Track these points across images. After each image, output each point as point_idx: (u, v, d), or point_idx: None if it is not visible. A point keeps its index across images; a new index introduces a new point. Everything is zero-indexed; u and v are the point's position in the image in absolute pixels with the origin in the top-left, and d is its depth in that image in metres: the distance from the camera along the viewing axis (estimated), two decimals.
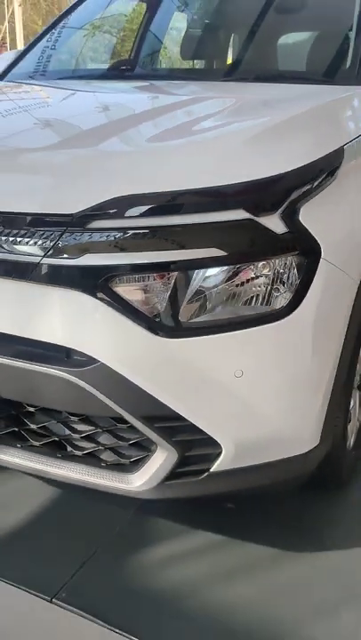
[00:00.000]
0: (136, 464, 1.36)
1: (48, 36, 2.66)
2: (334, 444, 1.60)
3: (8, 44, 18.83)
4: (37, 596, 1.45)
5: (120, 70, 2.54)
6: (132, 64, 2.60)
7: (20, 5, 18.63)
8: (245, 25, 2.31)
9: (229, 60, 2.48)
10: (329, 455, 1.61)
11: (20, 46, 18.78)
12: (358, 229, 1.46)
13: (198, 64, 2.77)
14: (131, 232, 1.20)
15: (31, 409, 1.39)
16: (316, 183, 1.32)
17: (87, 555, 1.58)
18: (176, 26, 2.71)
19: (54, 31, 2.65)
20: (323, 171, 1.36)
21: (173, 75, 2.46)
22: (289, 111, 1.57)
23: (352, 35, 2.05)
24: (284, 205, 1.25)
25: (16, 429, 1.43)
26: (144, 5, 2.95)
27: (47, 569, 1.54)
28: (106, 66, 2.82)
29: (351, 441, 1.85)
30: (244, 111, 1.66)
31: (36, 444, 1.42)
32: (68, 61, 2.66)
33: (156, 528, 1.69)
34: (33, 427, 1.40)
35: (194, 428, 1.28)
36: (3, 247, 1.24)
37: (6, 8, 19.33)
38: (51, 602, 1.43)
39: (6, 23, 19.37)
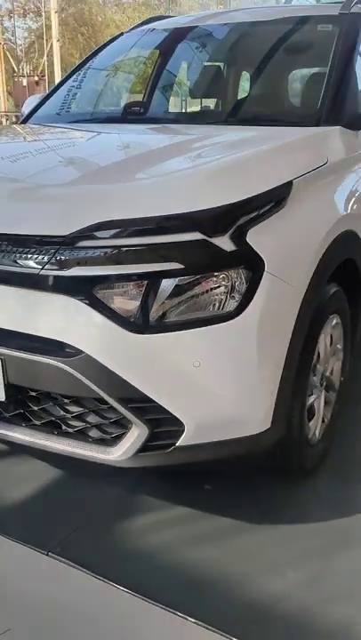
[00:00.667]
0: (116, 439, 1.66)
1: (67, 84, 3.07)
2: (292, 434, 1.86)
3: (47, 77, 19.77)
4: (35, 549, 1.75)
5: (129, 114, 2.91)
6: (142, 108, 2.98)
7: (58, 41, 19.56)
8: (236, 75, 2.65)
9: (223, 103, 2.84)
10: (289, 444, 1.88)
11: (58, 78, 19.67)
12: (304, 248, 1.75)
13: (194, 108, 3.12)
14: (110, 249, 1.52)
15: (33, 393, 1.71)
16: (262, 211, 1.63)
17: (81, 520, 1.89)
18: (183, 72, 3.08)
19: (73, 79, 3.05)
20: (270, 201, 1.66)
21: (173, 119, 2.82)
22: (249, 151, 1.89)
23: (321, 84, 2.37)
24: (233, 229, 1.56)
25: (22, 411, 1.75)
26: (157, 53, 3.34)
27: (45, 529, 1.85)
28: (117, 110, 3.19)
29: (316, 434, 2.11)
30: (213, 151, 1.98)
31: (38, 423, 1.74)
32: (82, 107, 3.04)
33: (141, 502, 1.99)
34: (35, 408, 1.72)
35: (161, 409, 1.58)
36: (9, 261, 1.58)
37: (45, 43, 20.34)
38: (47, 555, 1.73)
39: (45, 57, 20.37)
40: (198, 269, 1.54)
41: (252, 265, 1.58)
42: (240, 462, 1.85)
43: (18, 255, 1.58)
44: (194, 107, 3.08)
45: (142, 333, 1.54)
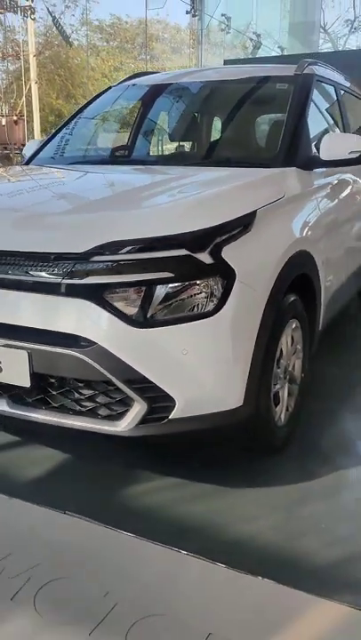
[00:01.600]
0: (121, 415, 2.08)
1: (62, 131, 3.56)
2: (261, 414, 2.30)
3: (25, 117, 20.42)
4: (54, 510, 2.14)
5: (116, 156, 3.41)
6: (127, 151, 3.48)
7: (35, 82, 20.30)
8: (208, 124, 3.17)
9: (197, 147, 3.35)
10: (259, 422, 2.31)
11: (36, 117, 20.33)
12: (267, 262, 2.23)
13: (177, 150, 3.63)
14: (116, 263, 1.97)
15: (53, 380, 2.13)
16: (233, 233, 2.10)
17: (91, 489, 2.29)
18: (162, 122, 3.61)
19: (67, 128, 3.54)
20: (239, 225, 2.14)
21: (155, 161, 3.32)
22: (222, 187, 2.38)
23: (280, 132, 2.89)
24: (211, 246, 2.03)
25: (43, 396, 2.16)
26: (139, 104, 3.87)
27: (61, 495, 2.24)
28: (106, 153, 3.68)
29: (282, 418, 2.55)
30: (193, 187, 2.47)
31: (56, 405, 2.16)
32: (77, 150, 3.53)
33: (140, 475, 2.40)
34: (54, 393, 2.14)
35: (157, 388, 2.01)
36: (35, 273, 2.02)
37: (24, 84, 21.07)
38: (65, 513, 2.12)
39: (24, 98, 21.06)
40: (185, 278, 2.00)
41: (226, 274, 2.04)
42: (223, 434, 2.27)
43: (42, 268, 2.02)
44: (172, 150, 3.58)
45: (142, 328, 1.98)
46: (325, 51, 15.05)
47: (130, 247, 1.98)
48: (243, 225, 2.16)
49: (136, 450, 2.55)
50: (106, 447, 2.57)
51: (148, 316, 1.99)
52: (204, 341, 2.03)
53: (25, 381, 2.10)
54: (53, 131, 3.67)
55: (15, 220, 2.23)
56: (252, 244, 2.17)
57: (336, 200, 3.16)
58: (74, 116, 3.66)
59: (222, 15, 11.41)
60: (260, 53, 12.49)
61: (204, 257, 2.02)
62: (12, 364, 2.10)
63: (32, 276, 2.04)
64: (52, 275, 2.02)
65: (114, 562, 1.91)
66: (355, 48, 15.65)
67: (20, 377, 2.10)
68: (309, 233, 2.62)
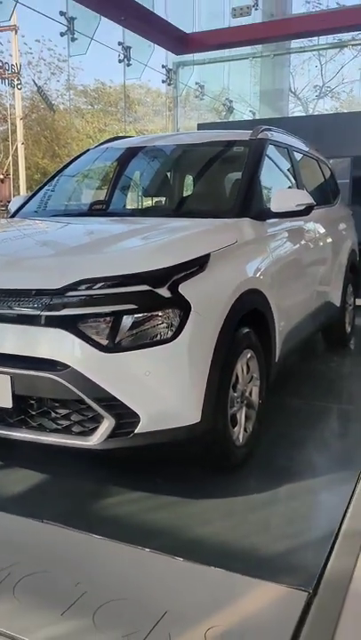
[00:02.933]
0: (92, 431, 2.37)
1: (45, 187, 3.97)
2: (218, 431, 2.58)
3: (12, 176, 21.14)
4: (33, 519, 2.38)
5: (94, 209, 3.80)
6: (104, 205, 3.89)
7: (22, 144, 21.11)
8: (175, 179, 3.59)
9: (166, 201, 3.77)
10: (217, 439, 2.60)
11: (22, 176, 21.08)
12: (219, 297, 2.58)
13: (144, 203, 4.06)
14: (88, 297, 2.31)
15: (32, 401, 2.42)
16: (189, 271, 2.46)
17: (67, 502, 2.54)
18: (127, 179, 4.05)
19: (49, 185, 3.95)
20: (194, 265, 2.50)
21: (128, 213, 3.72)
22: (181, 234, 2.77)
23: (235, 188, 3.31)
24: (169, 282, 2.37)
25: (23, 417, 2.44)
26: (115, 164, 4.31)
27: (40, 508, 2.49)
28: (85, 207, 4.08)
29: (240, 439, 2.83)
30: (157, 234, 2.85)
31: (34, 424, 2.44)
32: (58, 204, 3.93)
33: (110, 489, 2.66)
34: (33, 413, 2.42)
35: (123, 405, 2.31)
36: (15, 306, 2.35)
37: (10, 145, 21.90)
38: (42, 522, 2.37)
39: (10, 158, 21.83)
40: (147, 309, 2.33)
41: (183, 307, 2.38)
42: (184, 449, 2.56)
43: (24, 302, 2.35)
44: (144, 204, 4.00)
45: (110, 352, 2.30)
46: (296, 115, 16.09)
47: (100, 283, 2.32)
48: (198, 265, 2.51)
49: (105, 468, 2.81)
50: (78, 466, 2.83)
51: (116, 342, 2.31)
52: (164, 364, 2.35)
53: (7, 403, 2.39)
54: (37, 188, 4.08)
55: (1, 263, 2.58)
56: (206, 282, 2.52)
57: (287, 246, 3.55)
58: (55, 175, 4.07)
59: (196, 83, 12.30)
60: (233, 117, 13.36)
61: (164, 291, 2.36)
62: None
63: (14, 309, 2.36)
64: (33, 308, 2.34)
65: (85, 559, 2.16)
66: (324, 112, 16.75)
67: (3, 399, 2.39)
68: (260, 273, 2.99)
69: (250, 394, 2.96)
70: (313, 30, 10.21)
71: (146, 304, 2.34)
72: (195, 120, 13.30)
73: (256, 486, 2.72)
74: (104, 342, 2.30)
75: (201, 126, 8.56)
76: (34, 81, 21.04)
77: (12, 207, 3.96)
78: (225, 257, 2.72)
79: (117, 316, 2.32)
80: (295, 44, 12.32)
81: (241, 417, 2.85)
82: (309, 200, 3.31)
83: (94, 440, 2.35)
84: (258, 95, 12.82)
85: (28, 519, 2.40)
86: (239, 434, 2.83)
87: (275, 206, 3.24)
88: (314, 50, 14.00)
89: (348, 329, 5.41)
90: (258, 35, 9.80)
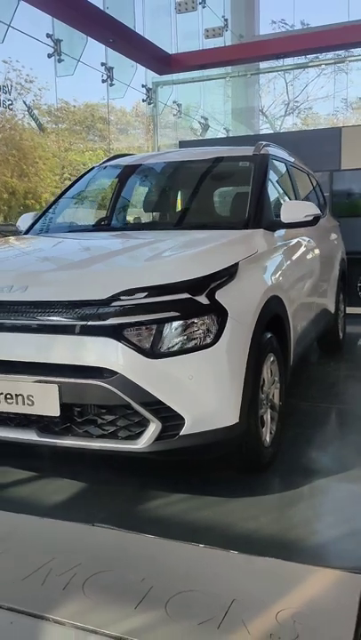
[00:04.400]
0: (139, 434, 2.46)
1: (53, 206, 4.07)
2: (252, 433, 2.72)
3: None
4: (83, 524, 2.46)
5: (112, 225, 3.93)
6: (122, 220, 4.02)
7: None
8: (184, 194, 3.74)
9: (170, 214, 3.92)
10: (250, 440, 2.73)
11: None
12: (250, 304, 2.72)
13: (154, 217, 4.19)
14: (132, 306, 2.42)
15: (78, 409, 2.50)
16: (223, 280, 2.60)
17: (111, 507, 2.62)
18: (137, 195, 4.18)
19: (57, 203, 4.06)
20: (227, 274, 2.64)
21: (145, 227, 3.84)
22: (211, 244, 2.92)
23: (247, 200, 3.48)
24: (207, 290, 2.51)
25: (69, 424, 2.52)
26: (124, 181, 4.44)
27: (87, 513, 2.57)
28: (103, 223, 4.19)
29: (267, 440, 2.97)
30: (185, 245, 2.99)
31: (80, 431, 2.52)
32: (72, 221, 4.03)
33: (152, 493, 2.75)
34: (80, 420, 2.51)
35: (169, 409, 2.42)
36: (64, 318, 2.44)
37: None
38: (93, 525, 2.44)
39: None
40: (188, 316, 2.46)
41: (220, 313, 2.51)
42: (222, 449, 2.67)
43: (69, 313, 2.45)
44: (159, 218, 4.14)
45: (155, 358, 2.41)
46: (266, 132, 16.57)
47: (143, 293, 2.44)
48: (230, 273, 2.66)
49: (140, 475, 2.90)
50: (112, 474, 2.92)
51: (160, 348, 2.42)
52: (206, 368, 2.47)
53: (55, 411, 2.47)
54: (45, 205, 4.16)
55: (45, 278, 2.67)
56: (238, 289, 2.67)
57: (296, 256, 3.73)
58: (64, 192, 4.16)
59: (174, 102, 12.59)
60: (208, 135, 13.69)
61: (203, 299, 2.49)
62: (44, 397, 2.47)
63: (61, 320, 2.46)
64: (79, 318, 2.44)
65: (144, 557, 2.24)
66: (292, 129, 17.29)
67: (51, 408, 2.47)
68: (279, 281, 3.15)
69: (273, 396, 3.10)
70: (286, 51, 10.61)
71: (187, 311, 2.46)
72: (169, 138, 13.59)
73: (285, 483, 2.85)
74: (149, 349, 2.41)
75: (183, 144, 8.78)
76: (24, 102, 21.03)
77: (22, 225, 4.04)
78: (250, 266, 2.87)
79: (161, 324, 2.43)
80: (264, 64, 12.76)
81: (267, 418, 2.99)
82: (316, 211, 3.50)
83: (142, 443, 2.45)
84: (230, 113, 13.20)
85: (78, 524, 2.46)
86: (266, 435, 2.96)
87: (285, 217, 3.41)
88: (282, 70, 14.48)
89: (341, 335, 5.63)
90: (236, 55, 10.15)
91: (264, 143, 4.03)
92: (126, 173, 4.26)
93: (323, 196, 5.60)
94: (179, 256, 2.80)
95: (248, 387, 2.62)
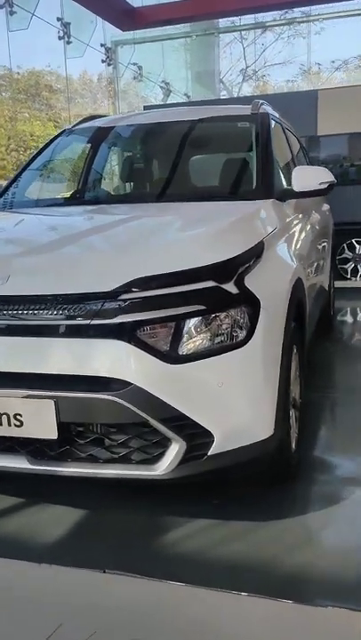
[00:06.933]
0: (158, 457, 1.99)
1: (19, 177, 3.46)
2: (284, 444, 2.28)
3: None
4: (92, 570, 1.98)
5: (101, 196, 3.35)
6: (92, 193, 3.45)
7: None
8: (176, 160, 3.21)
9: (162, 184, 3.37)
10: (283, 449, 2.29)
11: None
12: (280, 290, 2.26)
13: (142, 187, 3.62)
14: (147, 299, 1.92)
15: (81, 429, 2.00)
16: (251, 262, 2.12)
17: (119, 542, 2.15)
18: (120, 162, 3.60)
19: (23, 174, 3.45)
20: (254, 255, 2.16)
21: (143, 198, 3.25)
22: (226, 220, 2.40)
23: (252, 166, 2.98)
24: (236, 276, 2.02)
25: (68, 447, 2.02)
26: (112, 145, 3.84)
27: (93, 554, 2.09)
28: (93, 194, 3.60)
29: (293, 444, 2.55)
30: (201, 221, 2.46)
31: (82, 455, 2.03)
32: (54, 192, 3.43)
33: (165, 521, 2.29)
34: (82, 442, 2.01)
35: (195, 424, 1.95)
36: (59, 317, 1.91)
37: None
38: (104, 572, 1.97)
39: None
40: (215, 309, 1.97)
41: (252, 303, 2.04)
42: (254, 468, 2.23)
43: (68, 310, 1.92)
44: (155, 188, 3.50)
45: (178, 363, 1.92)
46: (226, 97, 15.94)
47: (158, 282, 1.94)
48: (257, 254, 2.18)
49: (150, 495, 2.43)
50: (116, 496, 2.44)
51: (183, 351, 1.94)
52: (239, 371, 2.01)
53: (51, 433, 1.97)
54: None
55: (31, 262, 2.13)
56: (265, 273, 2.20)
57: (307, 231, 3.29)
58: (29, 163, 3.53)
59: (134, 64, 11.76)
60: (170, 100, 12.97)
61: (231, 287, 2.01)
62: (36, 415, 1.96)
63: (56, 320, 1.93)
64: (79, 316, 1.92)
65: (176, 613, 1.79)
66: (248, 95, 16.68)
67: (46, 429, 1.97)
68: (300, 262, 2.70)
69: (295, 393, 2.67)
70: (252, 6, 10.01)
71: (214, 303, 1.98)
72: (127, 104, 12.81)
73: (322, 496, 2.44)
74: (170, 352, 1.93)
75: (147, 108, 8.14)
76: None
77: None
78: (273, 244, 2.40)
79: (183, 320, 1.94)
80: (224, 23, 12.12)
81: (292, 421, 2.56)
82: (331, 178, 3.04)
83: (162, 469, 1.98)
84: (190, 80, 12.51)
85: (86, 571, 1.98)
86: (293, 439, 2.54)
87: (298, 185, 2.94)
88: (242, 29, 13.82)
89: (332, 311, 5.29)
90: (203, 10, 9.38)
91: (260, 102, 3.53)
92: (105, 137, 3.67)
93: (309, 162, 5.15)
94: (195, 234, 2.29)
95: (281, 390, 2.18)
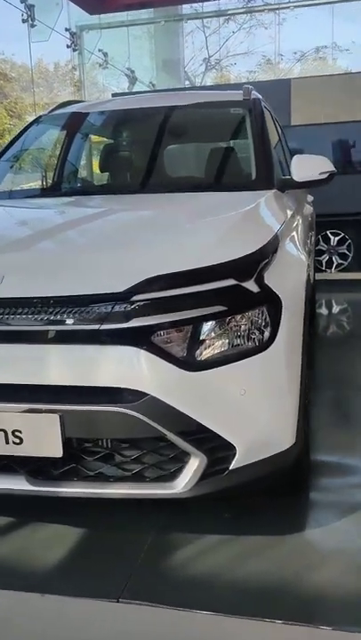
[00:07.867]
0: (175, 474, 1.80)
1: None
2: (303, 454, 2.13)
3: None
4: (105, 600, 1.79)
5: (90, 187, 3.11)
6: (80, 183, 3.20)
7: None
8: (167, 148, 3.00)
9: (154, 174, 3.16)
10: (302, 463, 2.13)
11: None
12: (296, 286, 2.10)
13: (132, 177, 3.38)
14: (162, 300, 1.72)
15: (89, 444, 1.80)
16: (270, 258, 1.95)
17: (129, 565, 1.95)
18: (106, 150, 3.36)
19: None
20: (272, 249, 1.99)
21: (138, 189, 3.01)
22: (236, 212, 2.22)
23: (248, 155, 2.81)
24: (256, 273, 1.85)
25: (75, 465, 1.82)
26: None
27: (103, 580, 1.89)
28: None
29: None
30: (209, 212, 2.27)
31: (90, 473, 1.82)
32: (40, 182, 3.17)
33: (177, 539, 2.10)
34: (88, 459, 1.81)
35: (216, 437, 1.77)
36: (65, 321, 1.70)
37: None
38: (118, 601, 1.78)
39: None
40: (236, 310, 1.79)
41: (274, 303, 1.87)
42: (275, 481, 2.06)
43: (71, 314, 1.71)
44: (145, 177, 3.29)
45: (198, 370, 1.74)
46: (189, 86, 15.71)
47: (174, 281, 1.74)
48: (274, 249, 2.01)
49: (156, 510, 2.24)
50: (118, 512, 2.24)
51: (202, 356, 1.76)
52: (262, 377, 1.84)
53: (55, 451, 1.76)
54: None
55: (33, 260, 1.90)
56: (282, 269, 2.03)
57: (306, 222, 3.16)
58: (5, 150, 3.27)
59: (100, 51, 11.36)
60: (136, 88, 12.65)
61: (252, 285, 1.83)
62: (38, 431, 1.75)
63: (61, 324, 1.72)
64: (87, 321, 1.71)
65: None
66: (211, 84, 16.56)
67: (49, 446, 1.75)
68: (307, 256, 2.55)
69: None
70: None
71: (235, 303, 1.80)
72: (90, 94, 12.42)
73: (342, 504, 2.30)
74: (188, 358, 1.74)
75: (115, 96, 7.85)
76: None
77: None
78: (284, 237, 2.24)
79: (201, 323, 1.76)
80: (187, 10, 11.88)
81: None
82: (331, 167, 2.89)
83: (180, 486, 1.79)
84: (155, 68, 12.22)
85: (96, 601, 1.79)
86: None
87: (298, 175, 2.78)
88: (205, 17, 13.59)
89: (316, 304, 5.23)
90: None
91: (250, 87, 3.36)
92: (88, 123, 3.43)
93: (289, 151, 5.02)
94: (208, 228, 2.09)
95: (302, 395, 2.02)
